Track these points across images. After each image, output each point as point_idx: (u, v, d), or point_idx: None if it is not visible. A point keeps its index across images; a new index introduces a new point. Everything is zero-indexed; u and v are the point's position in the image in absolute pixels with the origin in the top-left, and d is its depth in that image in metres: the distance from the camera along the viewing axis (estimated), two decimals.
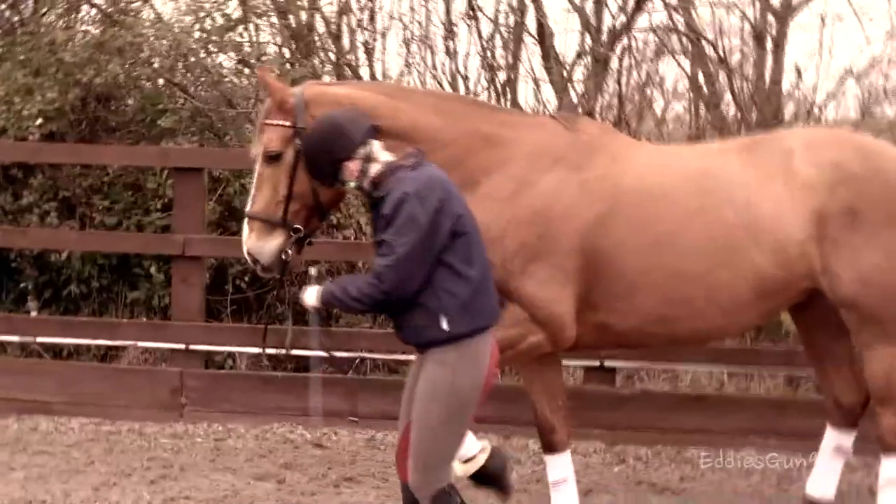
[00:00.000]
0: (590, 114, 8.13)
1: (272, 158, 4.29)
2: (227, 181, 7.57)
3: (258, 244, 4.26)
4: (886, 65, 8.54)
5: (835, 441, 4.99)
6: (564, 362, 6.92)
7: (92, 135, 7.90)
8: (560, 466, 4.85)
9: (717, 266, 4.41)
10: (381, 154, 3.89)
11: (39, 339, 7.22)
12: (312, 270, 4.13)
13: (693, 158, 4.75)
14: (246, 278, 7.55)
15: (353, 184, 3.87)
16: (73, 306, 7.75)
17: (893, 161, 4.58)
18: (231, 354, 7.29)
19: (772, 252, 4.40)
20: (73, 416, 6.81)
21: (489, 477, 4.23)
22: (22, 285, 7.80)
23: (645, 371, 7.25)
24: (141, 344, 7.02)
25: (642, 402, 6.56)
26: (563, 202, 4.44)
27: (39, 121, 7.51)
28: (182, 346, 6.80)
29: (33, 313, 7.67)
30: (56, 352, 7.44)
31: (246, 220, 4.32)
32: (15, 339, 7.25)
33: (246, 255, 4.32)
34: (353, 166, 3.83)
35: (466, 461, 4.33)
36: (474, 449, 4.24)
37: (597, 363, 6.62)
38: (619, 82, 8.48)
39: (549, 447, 4.86)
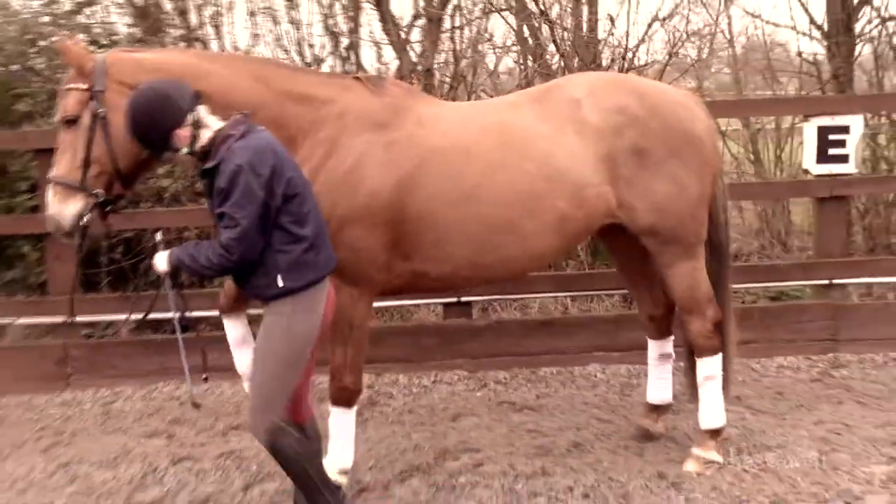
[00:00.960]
0: (428, 71, 8.12)
1: (70, 122, 4.10)
2: None
3: (58, 208, 4.07)
4: (687, 8, 8.77)
5: (657, 350, 5.26)
6: (425, 301, 7.03)
7: None
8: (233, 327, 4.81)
9: (524, 214, 4.47)
10: (209, 120, 3.80)
11: None
12: (158, 236, 4.01)
13: (492, 114, 4.71)
14: (120, 249, 7.31)
15: (185, 150, 3.76)
16: None
17: (667, 100, 4.74)
18: (111, 322, 7.06)
19: (571, 197, 4.50)
20: None
21: None
22: None
23: (498, 303, 7.36)
24: (22, 321, 6.71)
25: (498, 331, 6.67)
26: (371, 162, 4.34)
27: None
28: (61, 320, 6.51)
29: None
30: None
31: (49, 185, 4.11)
32: None
33: (48, 221, 4.09)
34: (183, 133, 3.73)
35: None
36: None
37: (454, 299, 6.68)
38: (452, 40, 8.46)
39: (225, 310, 4.72)
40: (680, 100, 4.81)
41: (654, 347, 5.28)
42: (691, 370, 5.06)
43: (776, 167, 8.95)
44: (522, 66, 9.11)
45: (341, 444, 4.61)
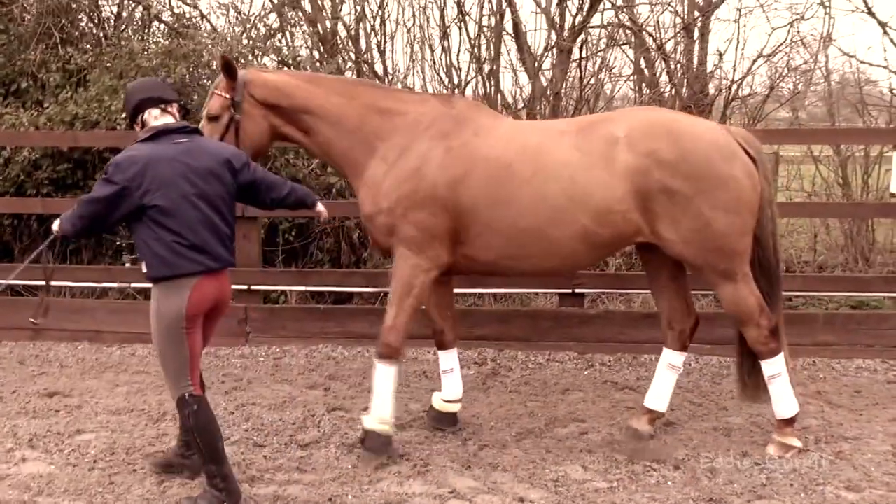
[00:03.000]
0: (556, 95, 8.03)
1: (212, 118, 4.55)
2: (274, 156, 7.41)
3: None
4: (789, 46, 8.41)
5: (668, 360, 4.90)
6: (542, 290, 6.96)
7: None
8: (448, 359, 5.03)
9: (547, 223, 4.44)
10: (153, 121, 3.96)
11: (133, 285, 7.19)
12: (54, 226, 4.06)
13: (535, 136, 4.64)
14: (293, 232, 7.51)
15: None
16: None
17: (701, 143, 4.42)
18: (283, 292, 7.28)
19: (595, 217, 4.40)
20: None
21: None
22: (117, 243, 7.71)
23: (606, 296, 7.23)
24: None
25: (605, 320, 6.55)
26: (432, 164, 4.52)
27: (124, 114, 7.38)
28: (245, 287, 6.76)
29: (128, 265, 7.59)
30: (146, 294, 7.40)
31: None
32: (114, 285, 7.21)
33: None
34: (137, 127, 4.00)
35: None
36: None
37: (569, 290, 6.59)
38: (579, 68, 8.35)
39: (441, 345, 5.05)
40: (716, 141, 4.45)
41: (667, 356, 4.89)
42: (742, 368, 4.81)
43: (863, 191, 8.48)
44: (638, 94, 8.93)
45: (382, 398, 4.61)
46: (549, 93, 8.24)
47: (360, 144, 4.64)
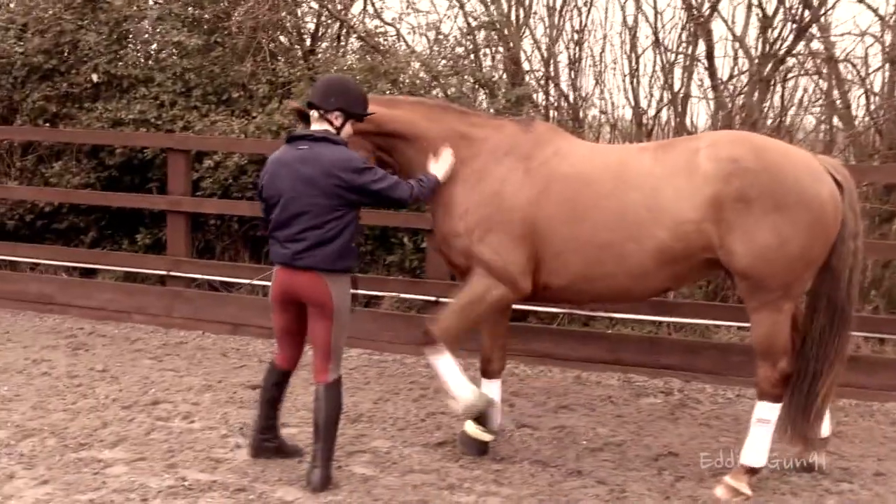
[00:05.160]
0: (753, 125, 7.77)
1: None
2: None
3: None
4: None
5: None
6: (728, 322, 6.74)
7: None
8: (490, 389, 5.06)
9: (625, 238, 4.40)
10: (312, 122, 4.42)
11: None
12: None
13: (615, 154, 4.73)
14: None
15: None
16: None
17: (783, 156, 4.33)
18: None
19: (670, 229, 4.32)
20: (351, 347, 6.95)
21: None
22: None
23: None
24: (402, 295, 7.18)
25: None
26: (511, 185, 4.60)
27: None
28: (433, 298, 6.90)
29: None
30: None
31: None
32: None
33: None
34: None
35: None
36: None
37: None
38: (780, 97, 8.09)
39: (485, 373, 5.11)
40: (804, 162, 4.35)
41: None
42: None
43: None
44: (829, 127, 8.53)
45: (453, 383, 4.84)
46: (738, 122, 8.01)
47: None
